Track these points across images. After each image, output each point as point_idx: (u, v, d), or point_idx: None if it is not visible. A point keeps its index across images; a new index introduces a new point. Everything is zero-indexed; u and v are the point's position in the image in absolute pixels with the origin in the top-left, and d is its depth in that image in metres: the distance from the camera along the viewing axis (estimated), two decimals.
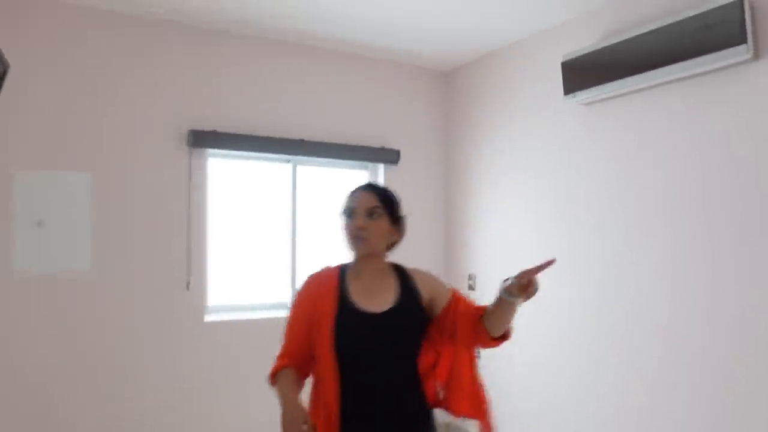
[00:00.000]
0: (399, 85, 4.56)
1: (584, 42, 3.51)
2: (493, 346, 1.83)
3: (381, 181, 4.47)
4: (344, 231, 1.80)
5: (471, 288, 4.42)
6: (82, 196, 3.38)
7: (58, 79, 3.35)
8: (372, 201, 1.78)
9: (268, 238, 4.09)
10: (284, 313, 3.85)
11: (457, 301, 1.84)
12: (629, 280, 3.29)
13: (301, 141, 4.02)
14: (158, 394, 3.53)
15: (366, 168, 4.49)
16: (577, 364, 3.59)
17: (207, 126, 3.73)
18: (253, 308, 3.99)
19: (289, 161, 4.15)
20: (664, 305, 3.11)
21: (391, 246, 1.85)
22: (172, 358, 3.59)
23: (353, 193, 1.83)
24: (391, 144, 4.47)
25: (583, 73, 3.41)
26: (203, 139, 3.67)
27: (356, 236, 1.75)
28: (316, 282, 1.83)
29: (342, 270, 1.84)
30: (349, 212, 1.78)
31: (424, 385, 1.80)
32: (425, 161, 4.67)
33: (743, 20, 2.64)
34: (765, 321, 2.68)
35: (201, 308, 3.71)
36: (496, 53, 4.28)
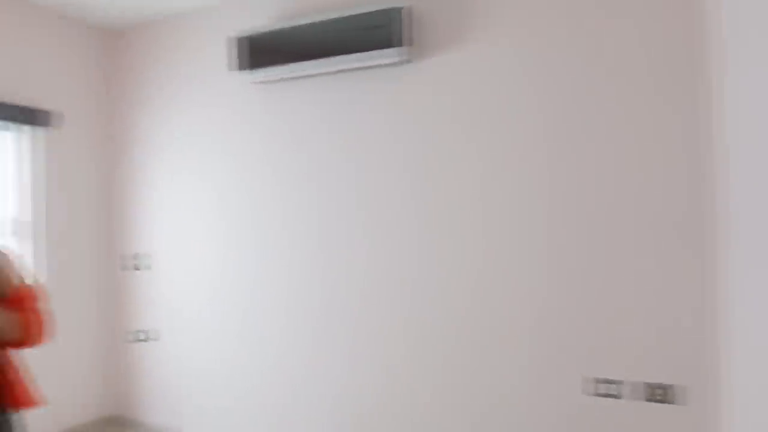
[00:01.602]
0: (60, 41, 3.95)
1: (257, 22, 3.57)
2: (16, 348, 1.90)
3: (28, 146, 3.82)
4: None
5: (137, 268, 4.13)
6: None
7: None
8: None
9: None
10: None
11: (11, 300, 1.84)
12: (282, 263, 3.49)
13: None
14: None
15: (8, 129, 3.78)
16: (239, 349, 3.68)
17: None
18: None
19: None
20: (345, 290, 3.38)
21: None
22: None
23: None
24: (45, 104, 3.86)
25: (257, 52, 3.45)
26: None
27: None
28: None
29: None
30: None
31: None
32: (86, 128, 4.15)
33: (401, 26, 2.98)
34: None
35: None
36: (167, 20, 4.03)
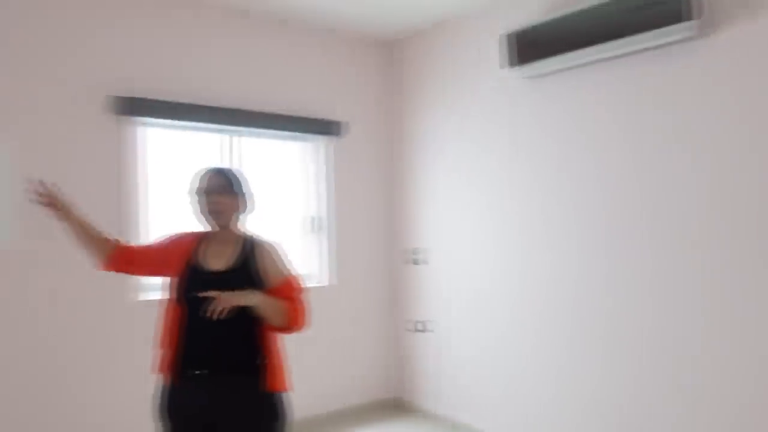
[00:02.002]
0: (342, 56, 4.43)
1: (529, 15, 3.49)
2: (281, 333, 2.12)
3: (323, 153, 4.34)
4: (199, 207, 2.12)
5: (416, 262, 4.40)
6: (1, 167, 3.10)
7: None
8: (221, 181, 2.12)
9: None
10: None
11: (280, 289, 2.08)
12: (571, 256, 3.35)
13: (240, 111, 3.84)
14: (86, 376, 3.33)
15: (306, 140, 4.34)
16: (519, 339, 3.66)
17: (138, 93, 3.48)
18: None
19: (226, 132, 3.95)
20: (604, 286, 3.18)
21: (238, 218, 2.17)
22: (105, 337, 3.39)
23: (205, 174, 2.15)
24: (334, 116, 4.35)
25: (527, 47, 3.39)
26: (132, 106, 3.42)
27: (212, 211, 2.09)
28: (179, 237, 2.23)
29: (200, 236, 2.18)
30: (203, 191, 2.11)
31: (251, 345, 2.06)
32: (369, 133, 4.57)
33: None
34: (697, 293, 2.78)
35: (135, 286, 3.51)
36: (441, 24, 4.20)
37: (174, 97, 3.61)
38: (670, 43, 2.86)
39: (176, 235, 2.24)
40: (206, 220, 2.12)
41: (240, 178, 2.19)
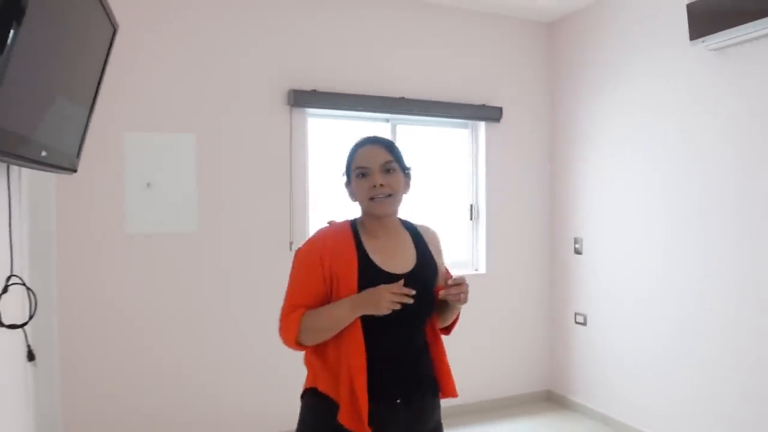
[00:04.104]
0: (501, 40, 4.32)
1: None
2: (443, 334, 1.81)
3: (483, 139, 4.28)
4: (358, 191, 1.66)
5: (577, 252, 4.19)
6: (188, 157, 3.45)
7: (163, 40, 3.40)
8: (384, 155, 1.66)
9: None
10: None
11: (442, 276, 1.75)
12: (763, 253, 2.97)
13: (401, 99, 3.91)
14: (261, 351, 3.61)
15: (467, 126, 4.31)
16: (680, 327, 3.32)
17: (307, 85, 3.69)
18: None
19: (388, 120, 4.05)
20: None
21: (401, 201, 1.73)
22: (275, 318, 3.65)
23: (360, 148, 1.69)
24: (493, 101, 4.26)
25: (711, 16, 3.04)
26: (304, 98, 3.64)
27: (377, 196, 1.62)
28: (330, 238, 1.65)
29: (352, 230, 1.69)
30: (364, 171, 1.64)
31: (431, 357, 1.74)
32: (528, 119, 4.42)
33: None
34: None
35: None
36: (601, 2, 3.92)
37: (340, 87, 3.78)
38: None
39: (324, 239, 1.65)
40: (368, 207, 1.65)
41: (399, 149, 1.72)
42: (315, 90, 3.68)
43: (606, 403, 3.94)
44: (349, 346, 1.56)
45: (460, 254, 4.29)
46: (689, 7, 3.15)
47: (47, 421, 2.59)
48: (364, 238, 1.67)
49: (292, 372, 3.66)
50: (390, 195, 1.63)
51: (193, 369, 3.48)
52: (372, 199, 1.63)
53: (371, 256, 1.64)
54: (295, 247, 3.65)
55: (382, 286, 1.50)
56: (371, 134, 1.77)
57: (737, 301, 3.08)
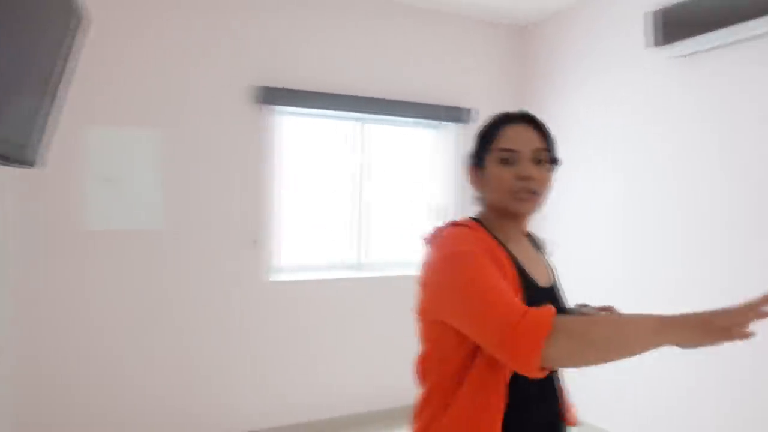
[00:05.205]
0: (472, 42, 4.34)
1: None
2: None
3: (452, 141, 4.30)
4: (495, 180, 1.28)
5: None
6: (153, 152, 3.39)
7: (131, 35, 3.33)
8: (538, 141, 1.28)
9: (336, 197, 4.02)
10: (352, 274, 3.92)
11: None
12: (726, 247, 3.04)
13: (371, 99, 3.90)
14: (220, 350, 3.57)
15: (437, 127, 4.32)
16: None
17: (276, 83, 3.66)
18: (320, 268, 3.96)
19: (358, 119, 4.04)
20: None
21: None
22: (236, 316, 3.61)
23: (507, 126, 1.30)
24: (464, 103, 4.29)
25: (675, 24, 3.11)
26: (273, 96, 3.60)
27: (524, 191, 1.25)
28: (478, 239, 1.24)
29: (486, 232, 1.30)
30: (510, 156, 1.27)
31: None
32: None
33: None
34: None
35: (268, 267, 3.70)
36: (574, 6, 3.98)
37: (310, 86, 3.75)
38: None
39: (476, 242, 1.23)
40: (507, 202, 1.28)
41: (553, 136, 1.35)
42: (284, 88, 3.65)
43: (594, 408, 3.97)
44: (487, 387, 1.18)
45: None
46: (656, 14, 3.21)
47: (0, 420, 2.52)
48: (503, 242, 1.32)
49: (256, 372, 3.67)
50: (536, 192, 1.27)
51: (155, 367, 3.41)
52: (516, 193, 1.26)
53: (522, 265, 1.30)
54: (259, 245, 3.64)
55: (726, 310, 1.01)
56: (521, 109, 1.39)
57: (689, 301, 3.15)
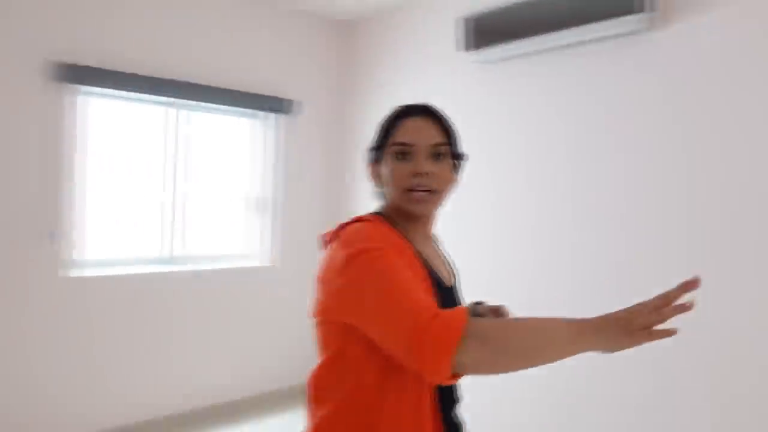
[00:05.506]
0: (297, 33, 4.32)
1: (484, 2, 3.48)
2: None
3: (273, 132, 4.24)
4: (391, 176, 1.21)
5: None
6: None
7: None
8: (437, 135, 1.22)
9: (148, 187, 3.75)
10: (164, 268, 3.70)
11: None
12: (529, 249, 3.36)
13: (187, 83, 3.70)
14: (16, 353, 3.17)
15: (258, 117, 4.23)
16: None
17: (79, 59, 3.30)
18: (131, 262, 3.67)
19: (173, 105, 3.80)
20: (567, 277, 3.21)
21: None
22: (32, 316, 3.23)
23: (406, 119, 1.24)
24: (286, 94, 4.25)
25: (483, 31, 3.37)
26: (74, 74, 3.25)
27: (417, 188, 1.19)
28: (387, 239, 1.16)
29: (390, 228, 1.22)
30: (405, 151, 1.21)
31: None
32: (322, 114, 4.49)
33: None
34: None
35: (66, 262, 3.35)
36: (399, 6, 4.14)
37: (117, 65, 3.45)
38: (622, 35, 2.89)
39: (385, 239, 1.15)
40: (401, 199, 1.22)
41: (454, 129, 1.30)
42: (89, 66, 3.32)
43: None
44: (408, 389, 1.11)
45: (243, 247, 4.20)
46: (467, 20, 3.44)
47: None
48: (410, 239, 1.25)
49: (60, 373, 3.30)
50: (433, 191, 1.20)
51: None
52: (410, 191, 1.20)
53: (429, 263, 1.24)
54: (56, 239, 3.27)
55: (642, 304, 0.95)
56: (420, 101, 1.30)
57: (537, 301, 3.46)
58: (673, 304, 0.93)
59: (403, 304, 0.99)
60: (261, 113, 4.20)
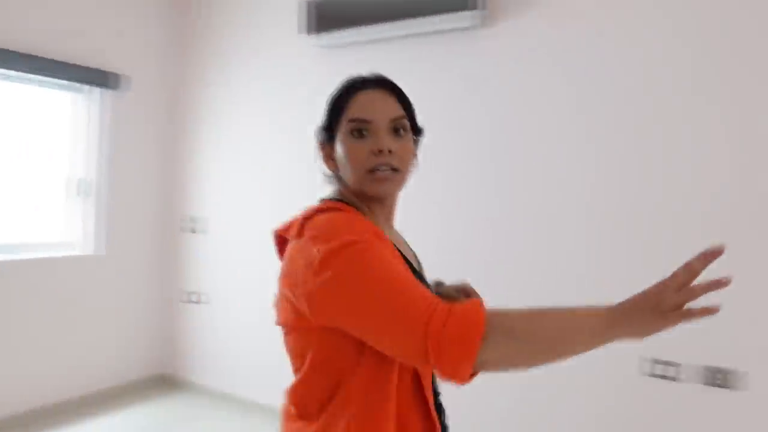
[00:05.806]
0: (126, 3, 3.95)
1: None
2: None
3: (97, 108, 3.87)
4: (349, 157, 1.08)
5: (193, 231, 4.15)
6: None
7: None
8: (396, 108, 1.11)
9: None
10: None
11: None
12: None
13: None
14: None
15: (80, 91, 3.83)
16: None
17: None
18: None
19: None
20: None
21: None
22: None
23: (359, 92, 1.11)
24: (112, 67, 3.89)
25: (327, 16, 3.36)
26: None
27: (380, 167, 1.06)
28: (369, 228, 1.03)
29: (360, 216, 1.10)
30: (363, 128, 1.08)
31: None
32: (152, 91, 4.17)
33: None
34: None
35: None
36: None
37: None
38: (458, 29, 3.00)
39: (367, 229, 1.02)
40: (363, 182, 1.08)
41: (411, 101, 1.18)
42: None
43: (227, 381, 3.99)
44: (388, 389, 1.00)
45: (60, 234, 3.80)
46: (309, 4, 3.38)
47: None
48: (380, 225, 1.13)
49: None
50: (396, 169, 1.07)
51: None
52: (372, 171, 1.06)
53: (402, 252, 1.11)
54: None
55: (666, 281, 0.85)
56: (372, 71, 1.16)
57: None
58: (705, 281, 0.83)
59: (409, 302, 0.89)
60: (84, 87, 3.81)
